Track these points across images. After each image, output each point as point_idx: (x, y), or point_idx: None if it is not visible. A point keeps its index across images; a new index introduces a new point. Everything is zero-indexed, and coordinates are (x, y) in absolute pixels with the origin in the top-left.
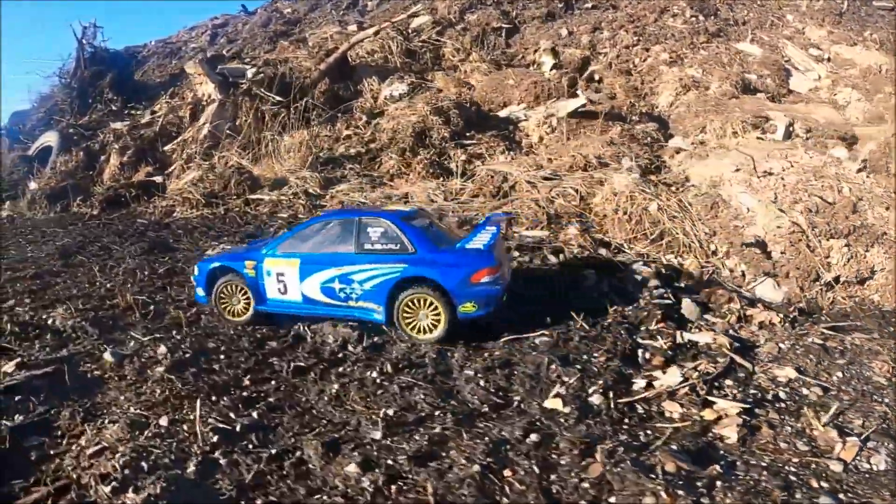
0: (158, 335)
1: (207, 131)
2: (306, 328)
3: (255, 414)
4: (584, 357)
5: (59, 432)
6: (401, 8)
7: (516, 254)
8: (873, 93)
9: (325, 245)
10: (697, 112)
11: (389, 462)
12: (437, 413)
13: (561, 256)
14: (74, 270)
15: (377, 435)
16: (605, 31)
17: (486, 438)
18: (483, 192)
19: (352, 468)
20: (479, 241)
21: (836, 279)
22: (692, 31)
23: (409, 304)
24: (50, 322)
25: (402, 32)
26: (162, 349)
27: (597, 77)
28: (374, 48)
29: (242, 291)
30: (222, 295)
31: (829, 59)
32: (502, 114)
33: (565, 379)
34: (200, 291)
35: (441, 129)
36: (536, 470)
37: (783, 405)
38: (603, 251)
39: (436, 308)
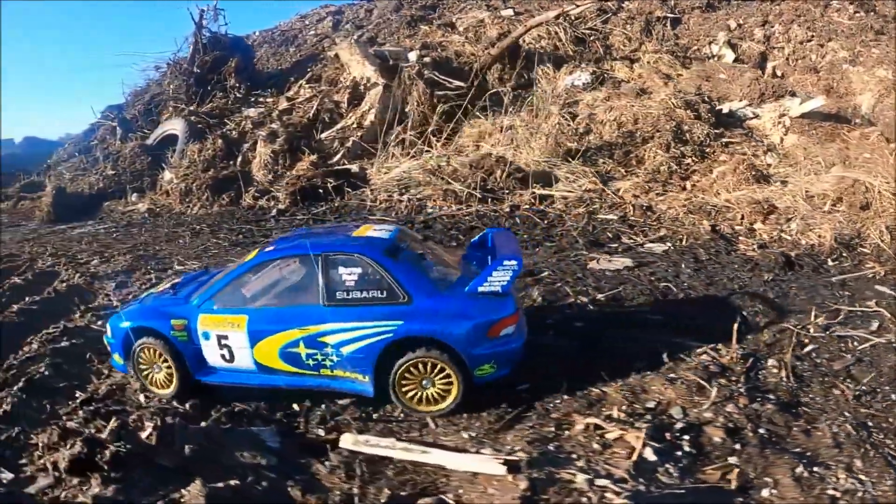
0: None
1: (374, 117)
2: None
3: None
4: None
5: None
6: None
7: None
8: None
9: (280, 295)
10: None
11: None
12: None
13: None
14: None
15: None
16: (777, 25)
17: None
18: (844, 201)
19: None
20: (497, 280)
21: None
22: (859, 27)
23: (408, 370)
24: None
25: (566, 19)
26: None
27: (779, 73)
28: (542, 34)
29: (162, 358)
30: (140, 360)
31: None
32: (722, 110)
33: None
34: (118, 358)
35: (698, 124)
36: None
37: None
38: None
39: (445, 373)
